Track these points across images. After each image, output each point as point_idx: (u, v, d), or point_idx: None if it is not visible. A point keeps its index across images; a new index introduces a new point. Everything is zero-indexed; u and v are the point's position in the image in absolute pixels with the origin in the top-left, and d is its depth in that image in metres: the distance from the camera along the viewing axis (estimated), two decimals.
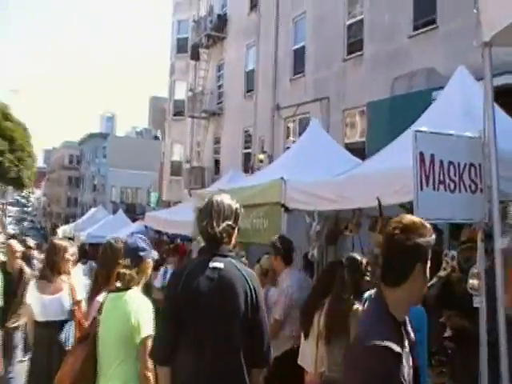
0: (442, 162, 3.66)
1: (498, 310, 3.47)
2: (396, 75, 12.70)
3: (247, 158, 20.66)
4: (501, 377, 3.43)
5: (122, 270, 3.26)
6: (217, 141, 23.55)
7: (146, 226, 12.78)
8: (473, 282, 3.81)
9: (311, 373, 4.48)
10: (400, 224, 1.86)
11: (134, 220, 18.14)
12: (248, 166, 19.89)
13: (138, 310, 3.18)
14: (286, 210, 6.35)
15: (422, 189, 3.56)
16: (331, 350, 4.13)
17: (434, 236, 1.84)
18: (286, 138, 18.19)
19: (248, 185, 7.60)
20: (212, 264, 2.68)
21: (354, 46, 14.73)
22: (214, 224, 2.67)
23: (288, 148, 15.68)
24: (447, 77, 10.43)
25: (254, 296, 2.67)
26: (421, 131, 3.59)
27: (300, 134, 15.76)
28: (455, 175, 3.71)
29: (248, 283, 2.67)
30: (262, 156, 18.87)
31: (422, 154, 3.58)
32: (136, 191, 51.26)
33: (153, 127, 59.04)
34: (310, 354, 4.44)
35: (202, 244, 5.09)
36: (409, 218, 1.91)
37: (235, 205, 2.80)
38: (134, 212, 33.75)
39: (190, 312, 2.66)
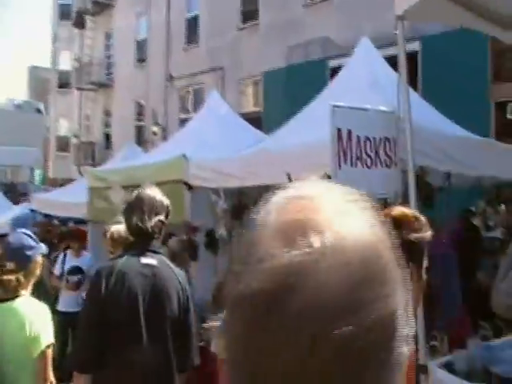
0: (358, 138, 3.51)
1: None
2: (291, 44, 12.62)
3: (140, 131, 19.92)
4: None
5: (6, 277, 2.76)
6: (107, 114, 22.45)
7: (31, 209, 11.75)
8: None
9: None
10: (388, 217, 1.58)
11: (16, 202, 16.68)
12: (141, 139, 19.18)
13: (34, 319, 2.73)
14: (189, 188, 6.03)
15: (340, 167, 3.39)
16: None
17: (430, 232, 1.58)
18: (180, 110, 17.70)
19: (147, 163, 7.15)
20: (144, 260, 2.56)
21: (249, 14, 14.45)
22: (146, 219, 2.57)
23: (183, 120, 15.25)
24: (342, 46, 10.54)
25: (185, 297, 2.59)
26: (338, 106, 3.40)
27: (195, 105, 15.42)
28: (371, 150, 3.58)
29: (180, 283, 2.60)
30: (155, 129, 18.26)
31: (339, 130, 3.40)
32: (16, 169, 47.85)
33: (34, 100, 55.25)
34: None
35: (108, 227, 4.65)
36: (399, 210, 1.64)
37: (166, 200, 2.73)
38: (14, 192, 31.51)
39: (121, 312, 2.47)
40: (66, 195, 10.55)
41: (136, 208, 2.60)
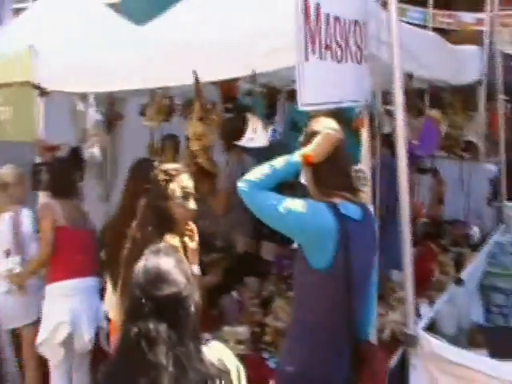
0: (327, 18, 2.40)
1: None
2: None
3: None
4: None
5: None
6: None
7: None
8: None
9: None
10: None
11: None
12: None
13: None
14: (42, 93, 4.46)
15: (307, 58, 2.28)
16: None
17: None
18: None
19: None
20: None
21: None
22: None
23: None
24: None
25: None
26: None
27: None
28: (342, 37, 2.51)
29: None
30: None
31: (306, 4, 2.26)
32: None
33: None
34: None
35: None
36: None
37: None
38: None
39: None
40: None
41: None
